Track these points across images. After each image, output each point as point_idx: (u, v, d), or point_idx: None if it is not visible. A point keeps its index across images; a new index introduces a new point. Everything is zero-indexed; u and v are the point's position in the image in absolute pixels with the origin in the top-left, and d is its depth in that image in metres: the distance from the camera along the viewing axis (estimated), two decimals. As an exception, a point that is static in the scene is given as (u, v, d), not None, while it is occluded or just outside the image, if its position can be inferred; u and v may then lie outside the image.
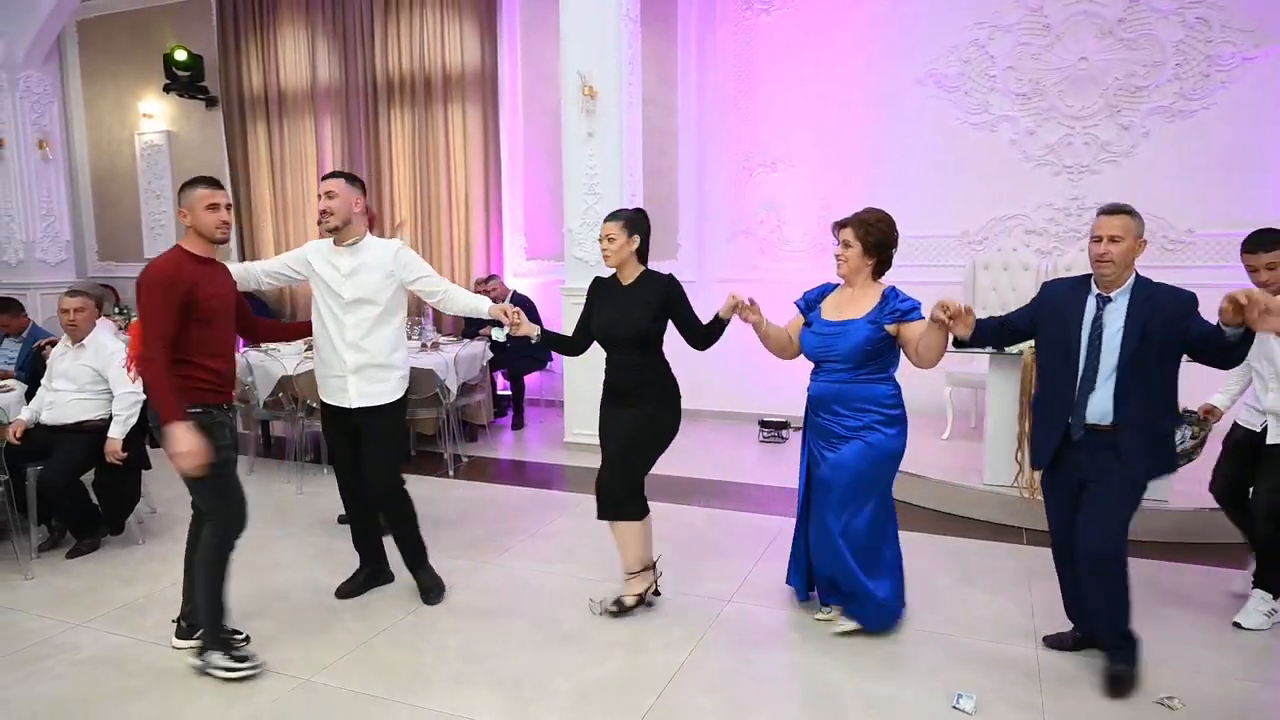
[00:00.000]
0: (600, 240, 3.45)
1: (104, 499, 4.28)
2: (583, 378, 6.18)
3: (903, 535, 3.42)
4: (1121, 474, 2.83)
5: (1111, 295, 2.85)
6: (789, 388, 6.07)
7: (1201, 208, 5.81)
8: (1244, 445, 3.45)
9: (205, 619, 3.06)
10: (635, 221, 3.43)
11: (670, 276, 3.47)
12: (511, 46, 7.65)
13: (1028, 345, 4.43)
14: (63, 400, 4.24)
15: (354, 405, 3.49)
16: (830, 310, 3.29)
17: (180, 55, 8.55)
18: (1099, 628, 3.01)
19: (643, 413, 3.41)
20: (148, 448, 4.48)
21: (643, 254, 3.47)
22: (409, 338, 5.49)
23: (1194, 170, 5.82)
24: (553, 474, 5.78)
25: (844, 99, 6.65)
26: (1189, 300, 2.77)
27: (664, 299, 3.39)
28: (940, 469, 4.95)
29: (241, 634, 3.23)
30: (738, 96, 7.02)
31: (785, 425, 6.54)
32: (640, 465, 3.46)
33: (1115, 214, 2.83)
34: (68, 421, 4.21)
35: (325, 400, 3.59)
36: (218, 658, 3.02)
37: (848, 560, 3.20)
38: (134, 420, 4.19)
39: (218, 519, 3.03)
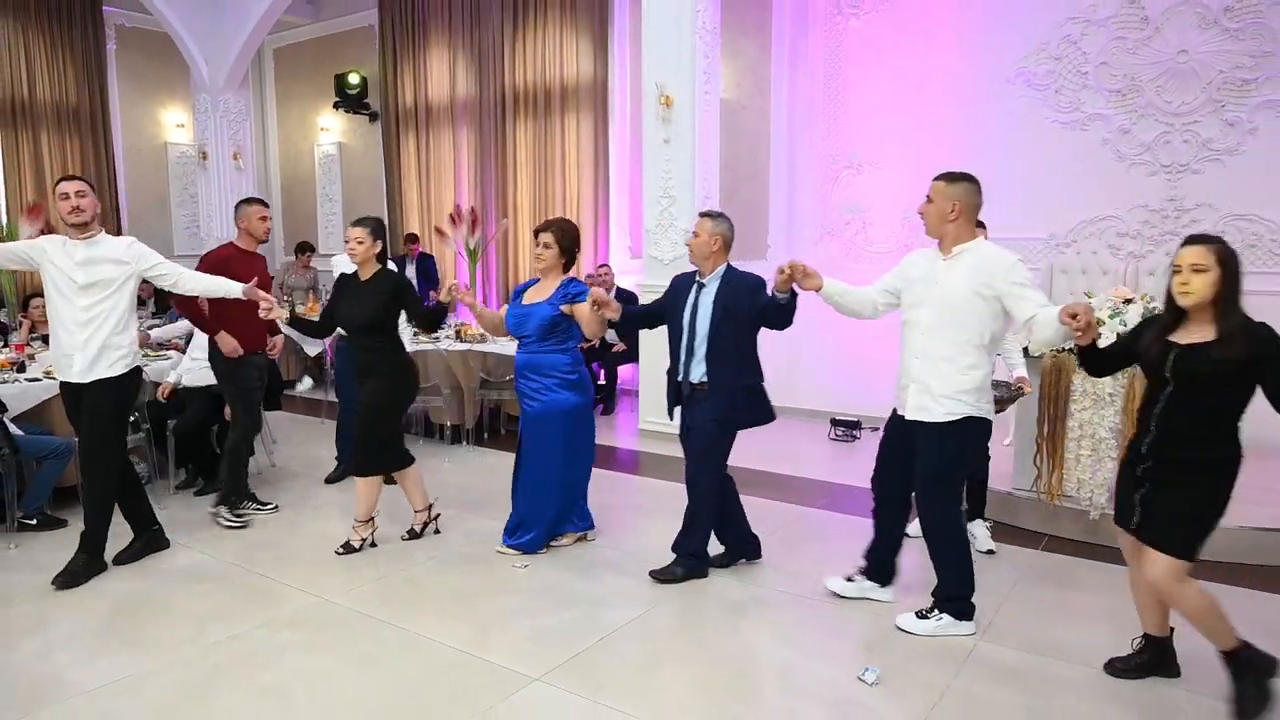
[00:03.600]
0: (348, 242, 4.18)
1: (223, 449, 5.20)
2: (656, 370, 6.57)
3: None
4: (709, 422, 3.63)
5: (704, 281, 3.70)
6: (869, 386, 6.16)
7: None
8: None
9: (227, 485, 4.65)
10: (378, 230, 4.22)
11: (401, 274, 4.27)
12: (621, 60, 8.17)
13: (1048, 349, 4.38)
14: (197, 367, 5.19)
15: (84, 380, 3.80)
16: (529, 297, 4.11)
17: (354, 78, 9.80)
18: (680, 539, 3.82)
19: (379, 385, 4.16)
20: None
21: (381, 256, 4.24)
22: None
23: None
24: (613, 456, 6.20)
25: (931, 101, 6.63)
26: (756, 281, 3.63)
27: (395, 292, 4.15)
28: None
29: (269, 504, 4.85)
30: (826, 100, 7.15)
31: (858, 425, 6.59)
32: (384, 426, 4.17)
33: (701, 218, 3.71)
34: (199, 385, 5.16)
35: (60, 379, 3.91)
36: (224, 511, 4.59)
37: (548, 493, 4.08)
38: (249, 386, 5.07)
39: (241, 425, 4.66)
